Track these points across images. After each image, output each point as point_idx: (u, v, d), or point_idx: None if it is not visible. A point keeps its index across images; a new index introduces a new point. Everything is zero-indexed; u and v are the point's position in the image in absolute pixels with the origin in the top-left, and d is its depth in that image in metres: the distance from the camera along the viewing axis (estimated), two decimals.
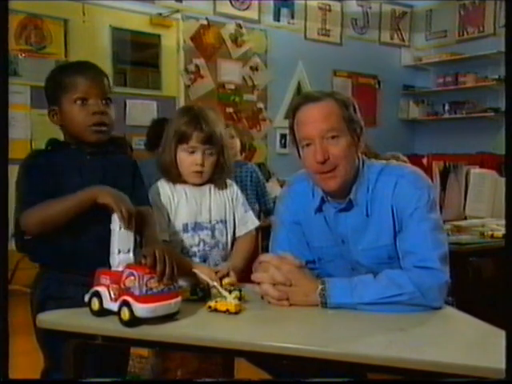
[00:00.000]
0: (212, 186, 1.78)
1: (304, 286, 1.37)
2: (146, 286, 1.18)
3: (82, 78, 1.50)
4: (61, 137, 1.60)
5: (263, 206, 3.59)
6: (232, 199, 1.82)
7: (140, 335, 1.19)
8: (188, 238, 1.72)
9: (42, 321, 1.29)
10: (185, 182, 1.75)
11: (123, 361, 1.66)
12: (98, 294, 1.24)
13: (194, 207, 1.74)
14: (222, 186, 1.80)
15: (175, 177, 1.74)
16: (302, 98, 1.53)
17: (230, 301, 1.29)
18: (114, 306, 1.21)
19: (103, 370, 1.43)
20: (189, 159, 1.71)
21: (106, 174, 1.53)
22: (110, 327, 1.20)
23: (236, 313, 1.28)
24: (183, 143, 1.70)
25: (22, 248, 1.48)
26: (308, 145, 1.46)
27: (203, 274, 1.47)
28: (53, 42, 4.59)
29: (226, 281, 1.54)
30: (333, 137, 1.44)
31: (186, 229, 1.73)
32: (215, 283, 1.40)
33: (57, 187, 1.44)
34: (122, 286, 1.21)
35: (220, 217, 1.78)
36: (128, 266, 1.23)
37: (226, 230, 1.79)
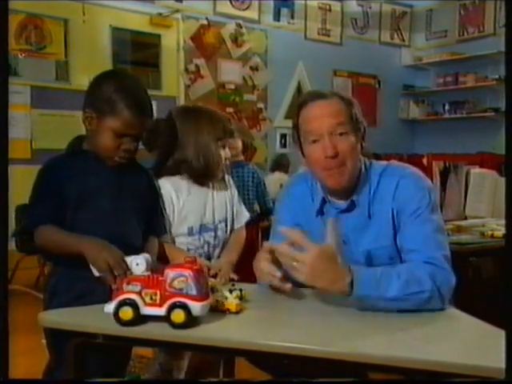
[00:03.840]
0: (213, 184, 1.80)
1: (332, 271, 1.27)
2: (200, 284, 1.18)
3: (131, 114, 1.45)
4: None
5: (263, 206, 3.60)
6: (231, 196, 1.86)
7: (140, 334, 1.19)
8: (194, 241, 1.74)
9: (44, 319, 1.29)
10: (201, 180, 1.76)
11: (124, 360, 1.66)
12: (128, 303, 1.18)
13: (200, 209, 1.76)
14: (222, 182, 1.83)
15: (206, 176, 1.76)
16: (309, 95, 1.51)
17: (231, 300, 1.29)
18: (160, 311, 1.18)
19: (104, 369, 1.44)
20: (221, 154, 1.74)
21: (123, 184, 1.56)
22: (110, 326, 1.20)
23: (237, 312, 1.28)
24: (220, 141, 1.74)
25: (28, 248, 1.51)
26: (315, 141, 1.44)
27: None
28: (53, 42, 4.59)
29: (216, 281, 1.50)
30: (341, 133, 1.43)
31: (191, 232, 1.74)
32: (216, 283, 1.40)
33: (73, 192, 1.48)
34: (169, 288, 1.17)
35: (222, 216, 1.81)
36: (169, 268, 1.19)
37: (227, 227, 1.83)
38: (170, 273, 1.18)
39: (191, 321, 1.17)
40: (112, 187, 1.53)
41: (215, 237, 1.77)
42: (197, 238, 1.74)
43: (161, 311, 1.18)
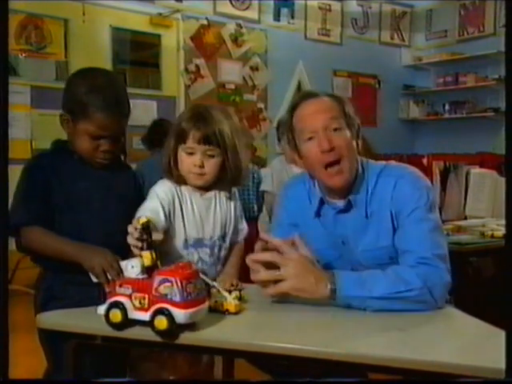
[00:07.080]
0: (218, 196, 1.67)
1: (314, 273, 1.30)
2: (186, 291, 1.13)
3: (104, 116, 1.44)
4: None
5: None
6: (235, 212, 1.72)
7: (139, 335, 1.19)
8: (188, 255, 1.62)
9: (42, 321, 1.29)
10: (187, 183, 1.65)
11: (124, 360, 1.66)
12: (118, 305, 1.17)
13: (198, 222, 1.63)
14: (228, 193, 1.69)
15: (176, 178, 1.62)
16: (300, 96, 1.55)
17: (230, 301, 1.29)
18: (145, 316, 1.15)
19: (103, 369, 1.43)
20: (188, 160, 1.58)
21: (111, 184, 1.56)
22: (108, 328, 1.20)
23: (236, 313, 1.28)
24: (182, 143, 1.57)
25: (22, 248, 1.49)
26: (310, 138, 1.46)
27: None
28: (53, 42, 4.59)
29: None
30: (335, 129, 1.45)
31: (185, 245, 1.61)
32: (215, 283, 1.40)
33: (61, 191, 1.47)
34: (155, 293, 1.14)
35: (221, 232, 1.67)
36: (158, 273, 1.17)
37: (225, 244, 1.69)
38: (157, 277, 1.15)
39: (174, 328, 1.13)
40: (100, 188, 1.53)
41: (211, 254, 1.64)
42: (191, 252, 1.62)
43: (146, 316, 1.15)
